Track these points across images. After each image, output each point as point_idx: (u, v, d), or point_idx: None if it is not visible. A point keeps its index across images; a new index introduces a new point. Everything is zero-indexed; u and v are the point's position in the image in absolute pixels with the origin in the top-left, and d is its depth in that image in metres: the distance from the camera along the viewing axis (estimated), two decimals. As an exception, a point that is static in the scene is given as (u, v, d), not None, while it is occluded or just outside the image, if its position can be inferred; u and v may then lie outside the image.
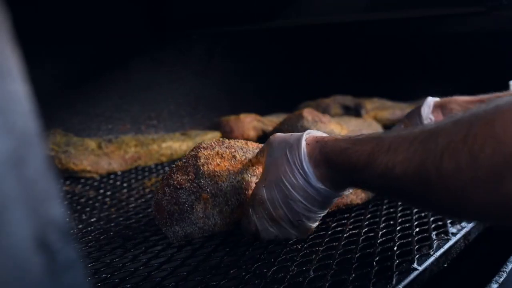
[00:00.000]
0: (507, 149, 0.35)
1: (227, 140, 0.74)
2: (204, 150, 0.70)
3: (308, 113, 1.38)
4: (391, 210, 0.82)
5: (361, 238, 0.70)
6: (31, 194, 0.15)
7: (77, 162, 1.14)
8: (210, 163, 0.68)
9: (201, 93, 1.82)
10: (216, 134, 1.43)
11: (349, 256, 0.64)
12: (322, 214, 0.63)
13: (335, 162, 0.54)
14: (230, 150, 0.71)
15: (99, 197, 1.00)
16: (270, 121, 1.62)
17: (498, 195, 0.37)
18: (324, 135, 0.59)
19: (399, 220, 0.76)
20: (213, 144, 0.72)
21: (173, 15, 1.59)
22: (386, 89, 2.07)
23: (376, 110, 1.76)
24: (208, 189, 0.67)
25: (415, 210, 0.80)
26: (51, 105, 1.37)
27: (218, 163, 0.69)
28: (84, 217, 0.87)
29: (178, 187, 0.68)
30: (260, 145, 0.74)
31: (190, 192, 0.67)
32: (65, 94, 1.40)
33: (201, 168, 0.68)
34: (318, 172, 0.56)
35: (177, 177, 0.68)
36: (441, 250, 0.65)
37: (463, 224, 0.73)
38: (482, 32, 1.89)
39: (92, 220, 0.85)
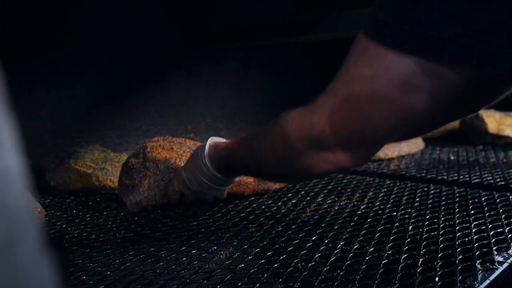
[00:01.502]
0: (286, 140, 0.64)
1: (170, 137, 1.04)
2: (151, 143, 1.00)
3: (346, 127, 1.35)
4: (432, 234, 0.78)
5: (400, 266, 0.66)
6: (22, 281, 0.14)
7: (114, 179, 1.14)
8: (154, 151, 0.98)
9: (238, 105, 1.81)
10: (252, 149, 1.41)
11: (388, 287, 0.61)
12: (225, 188, 0.93)
13: (221, 162, 0.83)
14: (170, 144, 1.00)
15: (135, 215, 1.00)
16: (307, 134, 1.60)
17: (293, 169, 0.65)
18: (219, 141, 0.86)
19: (441, 246, 0.73)
20: (159, 139, 1.02)
21: (209, 28, 1.59)
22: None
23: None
24: (151, 170, 0.97)
25: (458, 235, 0.76)
26: (89, 119, 1.39)
27: (159, 152, 0.98)
28: (118, 236, 0.87)
29: (132, 167, 0.98)
30: (197, 143, 1.05)
31: (140, 171, 0.98)
32: (102, 109, 1.42)
33: (147, 154, 0.98)
34: (214, 165, 0.84)
35: (131, 160, 0.99)
36: (487, 282, 0.61)
37: (510, 251, 0.69)
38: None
39: (126, 240, 0.85)
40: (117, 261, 0.76)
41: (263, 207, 1.01)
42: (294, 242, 0.79)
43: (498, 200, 0.94)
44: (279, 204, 1.02)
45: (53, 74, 1.29)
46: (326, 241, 0.78)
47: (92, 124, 1.39)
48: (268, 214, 0.96)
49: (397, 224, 0.84)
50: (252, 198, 1.05)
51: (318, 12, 1.28)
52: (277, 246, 0.78)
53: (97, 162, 1.16)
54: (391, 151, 1.41)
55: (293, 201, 1.03)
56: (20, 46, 1.22)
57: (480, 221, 0.83)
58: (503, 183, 1.07)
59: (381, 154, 1.38)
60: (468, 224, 0.82)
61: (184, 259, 0.75)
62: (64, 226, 0.95)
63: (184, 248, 0.80)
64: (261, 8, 1.44)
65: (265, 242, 0.80)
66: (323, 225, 0.86)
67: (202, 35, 1.60)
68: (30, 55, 1.24)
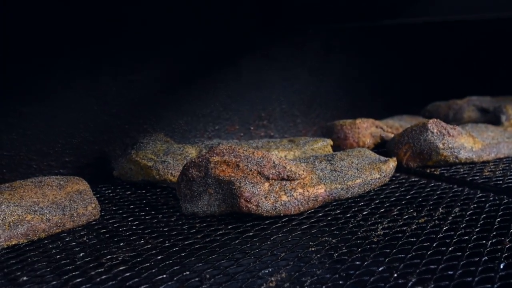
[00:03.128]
0: None
1: (237, 148, 0.91)
2: (215, 156, 0.90)
3: (434, 125, 1.19)
4: None
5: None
6: None
7: (175, 173, 1.08)
8: (217, 168, 0.88)
9: (317, 90, 1.70)
10: (327, 143, 1.29)
11: None
12: None
13: None
14: (236, 159, 0.89)
15: (191, 216, 0.93)
16: (391, 127, 1.45)
17: None
18: None
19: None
20: (224, 151, 0.90)
21: (286, 7, 1.48)
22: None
23: (520, 117, 1.49)
24: (213, 187, 0.89)
25: None
26: (156, 105, 1.34)
27: (224, 169, 0.88)
28: (166, 243, 0.81)
29: (191, 179, 0.90)
30: (267, 154, 0.91)
31: (200, 185, 0.90)
32: (170, 94, 1.36)
33: (210, 170, 0.89)
34: None
35: (192, 172, 0.90)
36: None
37: None
38: None
39: (173, 249, 0.78)
40: (158, 278, 0.69)
41: (329, 218, 0.90)
42: (357, 272, 0.68)
43: None
44: (348, 215, 0.91)
45: (119, 58, 1.25)
46: (395, 275, 0.66)
47: (159, 110, 1.34)
48: (334, 228, 0.85)
49: (485, 258, 0.70)
50: (319, 207, 0.95)
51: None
52: (336, 276, 0.67)
53: (159, 155, 1.11)
54: (486, 152, 1.23)
55: (364, 213, 0.91)
56: (85, 31, 1.18)
57: None
58: None
59: (474, 156, 1.20)
60: None
61: (229, 283, 0.67)
62: (116, 225, 0.90)
63: (233, 267, 0.72)
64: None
65: (324, 269, 0.70)
66: (394, 250, 0.74)
67: (278, 15, 1.49)
68: (95, 39, 1.20)
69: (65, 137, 1.19)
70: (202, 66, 1.41)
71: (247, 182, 0.87)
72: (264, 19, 1.49)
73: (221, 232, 0.85)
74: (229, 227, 0.87)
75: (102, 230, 0.88)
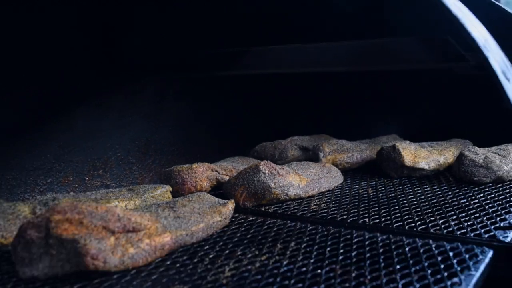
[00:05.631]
0: None
1: (80, 204, 0.87)
2: (56, 215, 0.85)
3: (265, 166, 1.29)
4: None
5: None
6: None
7: (7, 234, 1.00)
8: (59, 227, 0.84)
9: (152, 137, 1.71)
10: (166, 189, 1.31)
11: None
12: None
13: None
14: (79, 216, 0.85)
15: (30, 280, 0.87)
16: (225, 169, 1.52)
17: None
18: None
19: None
20: (66, 208, 0.86)
21: (120, 58, 1.49)
22: (345, 126, 2.02)
23: (334, 153, 1.69)
24: (55, 247, 0.84)
25: None
26: (-20, 162, 1.23)
27: (66, 228, 0.84)
28: (7, 314, 0.75)
29: (30, 241, 0.84)
30: (112, 209, 0.89)
31: (40, 247, 0.85)
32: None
33: (51, 230, 0.83)
34: None
35: (30, 233, 0.85)
36: None
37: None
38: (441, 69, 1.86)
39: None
40: None
41: (178, 265, 0.92)
42: (212, 316, 0.71)
43: (422, 250, 0.92)
44: (195, 260, 0.94)
45: None
46: (247, 314, 0.71)
47: (-18, 166, 1.24)
48: (183, 275, 0.87)
49: (323, 286, 0.79)
50: (166, 255, 0.96)
51: (234, 49, 1.22)
52: (193, 322, 0.70)
53: (-14, 216, 1.02)
54: (311, 188, 1.37)
55: (211, 256, 0.95)
56: None
57: (407, 279, 0.80)
58: (424, 227, 1.06)
59: (301, 192, 1.33)
60: (395, 284, 0.78)
61: None
62: None
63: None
64: (176, 41, 1.36)
65: (179, 317, 0.71)
66: (243, 290, 0.79)
67: (113, 64, 1.49)
68: None
69: None
70: (31, 116, 1.34)
71: (92, 239, 0.84)
72: (98, 69, 1.48)
73: (67, 293, 0.82)
74: (74, 287, 0.84)
75: None
